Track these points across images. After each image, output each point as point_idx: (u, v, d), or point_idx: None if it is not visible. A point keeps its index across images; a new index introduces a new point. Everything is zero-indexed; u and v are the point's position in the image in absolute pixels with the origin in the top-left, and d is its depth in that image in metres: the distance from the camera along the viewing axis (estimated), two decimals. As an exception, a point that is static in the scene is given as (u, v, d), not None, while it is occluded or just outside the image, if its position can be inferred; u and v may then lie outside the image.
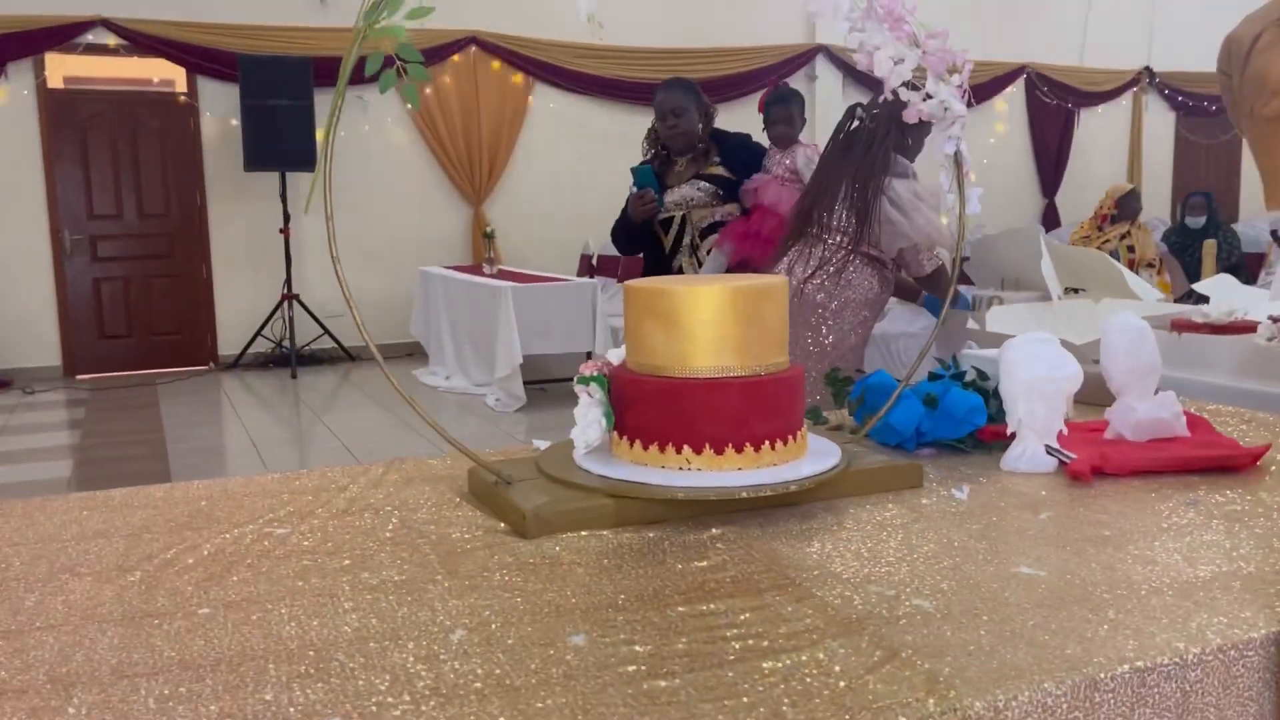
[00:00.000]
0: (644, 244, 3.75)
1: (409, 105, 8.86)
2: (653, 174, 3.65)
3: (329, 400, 7.48)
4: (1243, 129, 0.82)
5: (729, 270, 3.53)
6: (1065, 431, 1.60)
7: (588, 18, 1.46)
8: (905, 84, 1.59)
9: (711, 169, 3.70)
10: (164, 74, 8.77)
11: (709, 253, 3.63)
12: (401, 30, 1.30)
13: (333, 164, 1.35)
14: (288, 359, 8.29)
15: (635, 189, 3.62)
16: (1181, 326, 2.52)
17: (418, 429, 6.00)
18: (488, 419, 6.43)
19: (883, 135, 2.91)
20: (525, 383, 6.57)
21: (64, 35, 8.06)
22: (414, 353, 8.68)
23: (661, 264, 3.71)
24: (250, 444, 6.03)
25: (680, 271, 3.64)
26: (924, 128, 2.58)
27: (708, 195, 3.63)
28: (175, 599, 1.10)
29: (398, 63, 1.34)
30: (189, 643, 0.99)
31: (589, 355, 6.74)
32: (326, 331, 8.55)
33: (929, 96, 1.58)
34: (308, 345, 8.58)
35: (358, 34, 1.30)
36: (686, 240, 3.63)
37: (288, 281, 8.37)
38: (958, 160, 1.62)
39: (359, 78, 1.34)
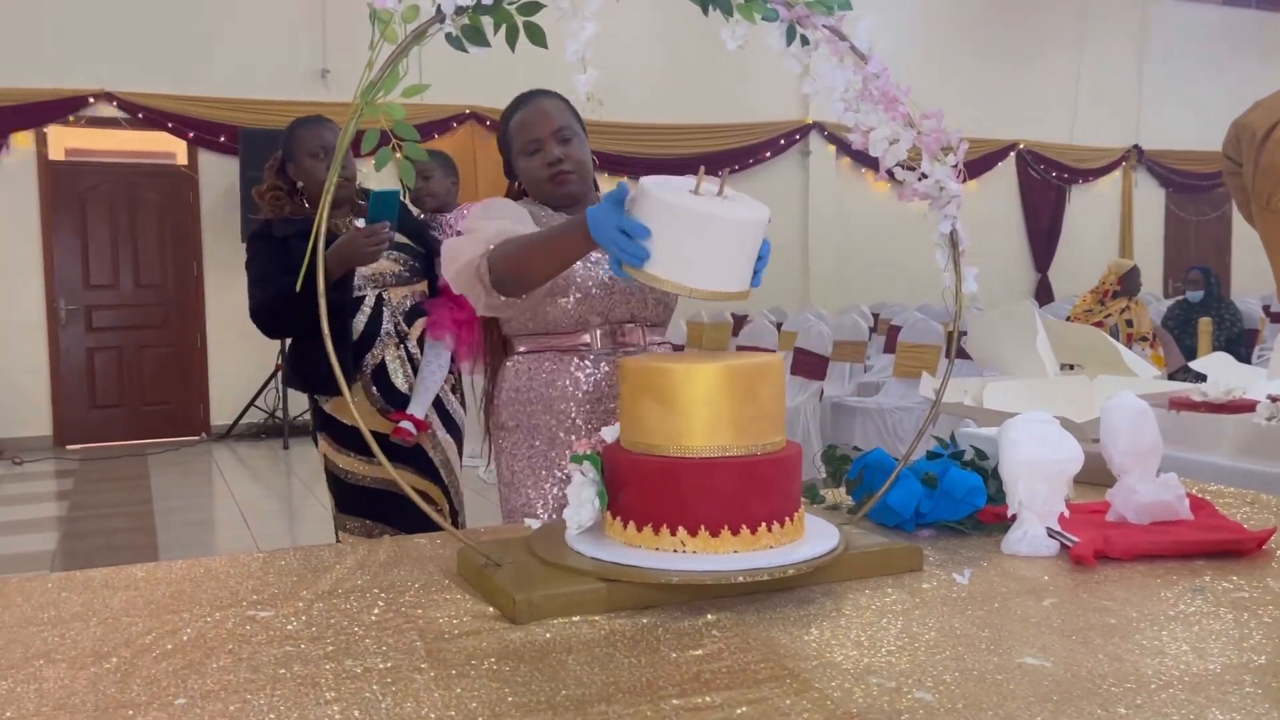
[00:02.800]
0: (307, 324, 2.48)
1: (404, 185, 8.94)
2: (398, 204, 2.76)
3: (320, 472, 7.42)
4: (1254, 220, 0.82)
5: (452, 364, 2.84)
6: (1066, 514, 1.57)
7: (587, 96, 1.47)
8: (900, 164, 1.59)
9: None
10: (164, 146, 8.86)
11: (417, 342, 2.78)
12: (399, 109, 1.30)
13: (324, 240, 1.35)
14: (280, 429, 8.24)
15: (364, 222, 2.66)
16: (1180, 405, 2.50)
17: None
18: (480, 491, 6.35)
19: None
20: (519, 455, 6.53)
21: (67, 108, 8.16)
22: (408, 424, 8.65)
23: (342, 354, 2.51)
24: (240, 516, 5.96)
25: (382, 369, 2.71)
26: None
27: (406, 269, 2.77)
28: (151, 688, 1.06)
29: (393, 140, 1.34)
30: (162, 736, 0.95)
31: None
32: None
33: (924, 176, 1.58)
34: (300, 415, 8.54)
35: (354, 110, 1.30)
36: (387, 326, 2.71)
37: (282, 352, 8.35)
38: (953, 239, 1.62)
39: (356, 153, 1.34)
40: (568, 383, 1.99)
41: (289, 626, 1.25)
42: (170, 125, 8.42)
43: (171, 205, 8.77)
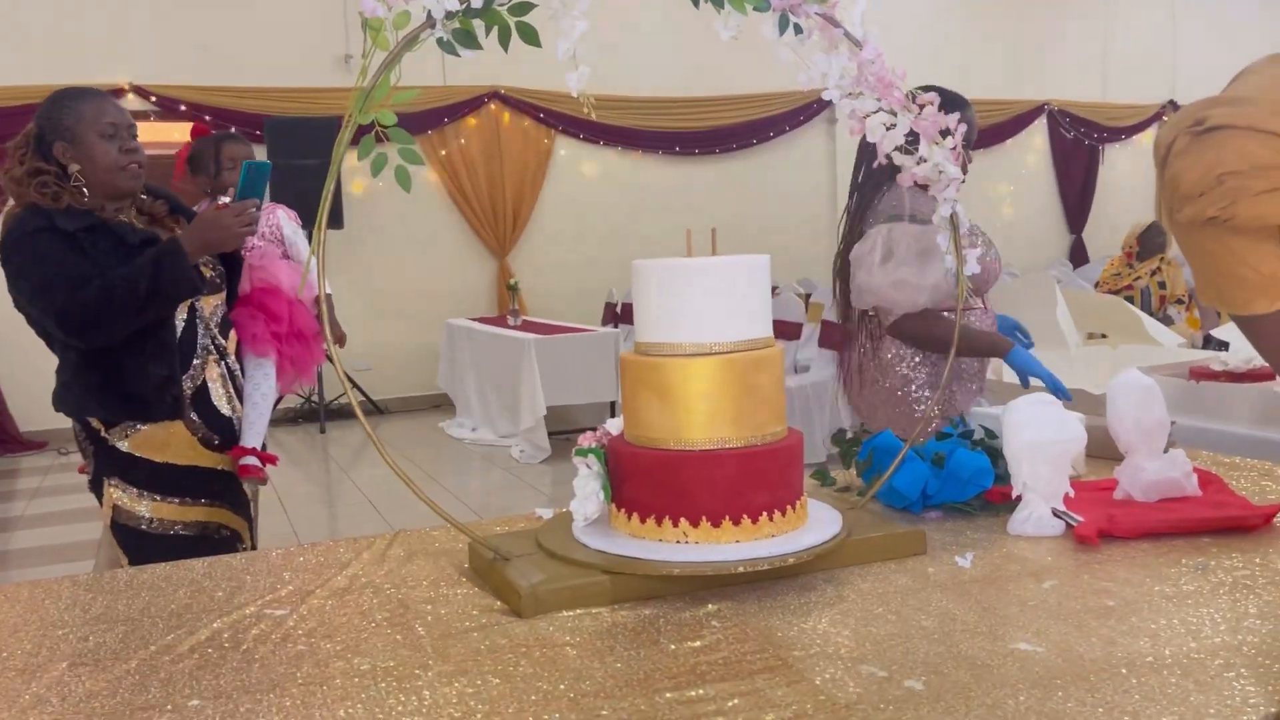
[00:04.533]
0: (136, 331, 2.11)
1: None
2: (267, 181, 2.36)
3: (357, 455, 7.52)
4: (1166, 227, 0.82)
5: (280, 386, 2.47)
6: (1072, 493, 1.58)
7: (579, 95, 1.48)
8: (899, 148, 1.59)
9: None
10: (186, 138, 8.94)
11: (236, 358, 2.35)
12: (390, 116, 1.32)
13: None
14: (316, 414, 8.36)
15: (232, 197, 2.26)
16: (1200, 375, 2.48)
17: (443, 484, 6.01)
18: (513, 470, 6.43)
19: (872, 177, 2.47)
20: (550, 433, 6.57)
21: (98, 102, 8.25)
22: (441, 404, 8.71)
23: (174, 370, 2.16)
24: (277, 501, 6.06)
25: (204, 390, 2.22)
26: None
27: (215, 274, 2.30)
28: (167, 689, 1.11)
29: (387, 142, 1.36)
30: (175, 738, 0.99)
31: (613, 406, 6.74)
32: (355, 385, 8.62)
33: (923, 160, 1.58)
34: (336, 399, 8.66)
35: (348, 119, 1.33)
36: (204, 342, 2.24)
37: (326, 342, 8.44)
38: (954, 222, 1.62)
39: (380, 142, 1.36)
40: None
41: (303, 626, 1.29)
42: (197, 116, 8.50)
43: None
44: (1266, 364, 1.09)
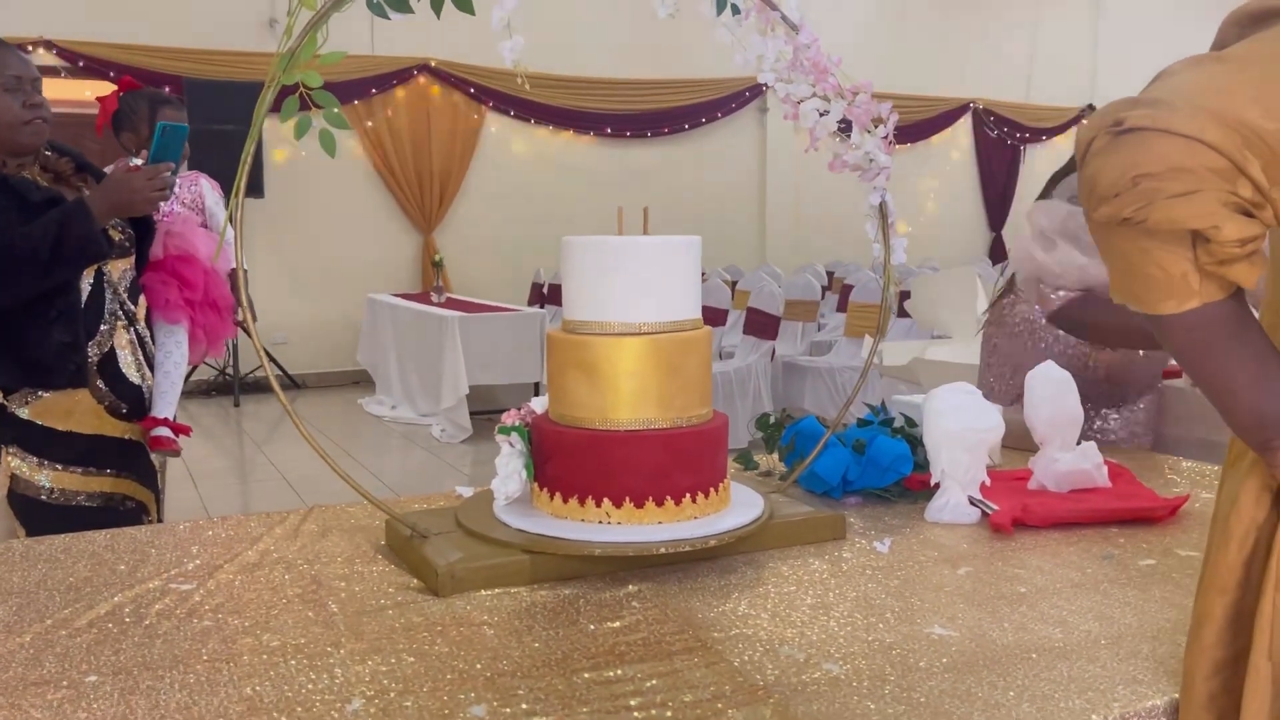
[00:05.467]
0: (38, 293, 2.01)
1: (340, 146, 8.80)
2: (184, 144, 2.24)
3: (272, 430, 7.36)
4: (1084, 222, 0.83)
5: (190, 357, 2.40)
6: (988, 482, 1.60)
7: (514, 64, 1.45)
8: (831, 134, 1.59)
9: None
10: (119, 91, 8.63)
11: (146, 324, 2.29)
12: (316, 77, 1.28)
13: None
14: (230, 387, 8.16)
15: (143, 160, 2.16)
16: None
17: (361, 461, 5.92)
18: (433, 450, 6.36)
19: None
20: (472, 413, 6.50)
21: (5, 56, 7.91)
22: (361, 381, 8.57)
23: (78, 335, 2.06)
24: (188, 475, 5.91)
25: (111, 357, 2.14)
26: None
27: (125, 237, 2.20)
28: (63, 664, 1.06)
29: (313, 108, 1.32)
30: (69, 715, 0.95)
31: (537, 386, 6.71)
32: (271, 358, 8.43)
33: (855, 147, 1.59)
34: (252, 373, 8.46)
35: (271, 78, 1.28)
36: (112, 307, 2.15)
37: (240, 311, 8.24)
38: (883, 211, 1.63)
39: (305, 106, 1.31)
40: None
41: (210, 601, 1.25)
42: (113, 75, 8.19)
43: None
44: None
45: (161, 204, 2.17)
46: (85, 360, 2.08)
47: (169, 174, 2.11)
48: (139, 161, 2.19)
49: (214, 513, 4.85)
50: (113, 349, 2.15)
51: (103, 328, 2.13)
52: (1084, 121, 1.62)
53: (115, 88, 2.91)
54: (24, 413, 2.04)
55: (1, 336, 2.02)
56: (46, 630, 1.15)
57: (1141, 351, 2.14)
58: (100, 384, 2.11)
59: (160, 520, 2.30)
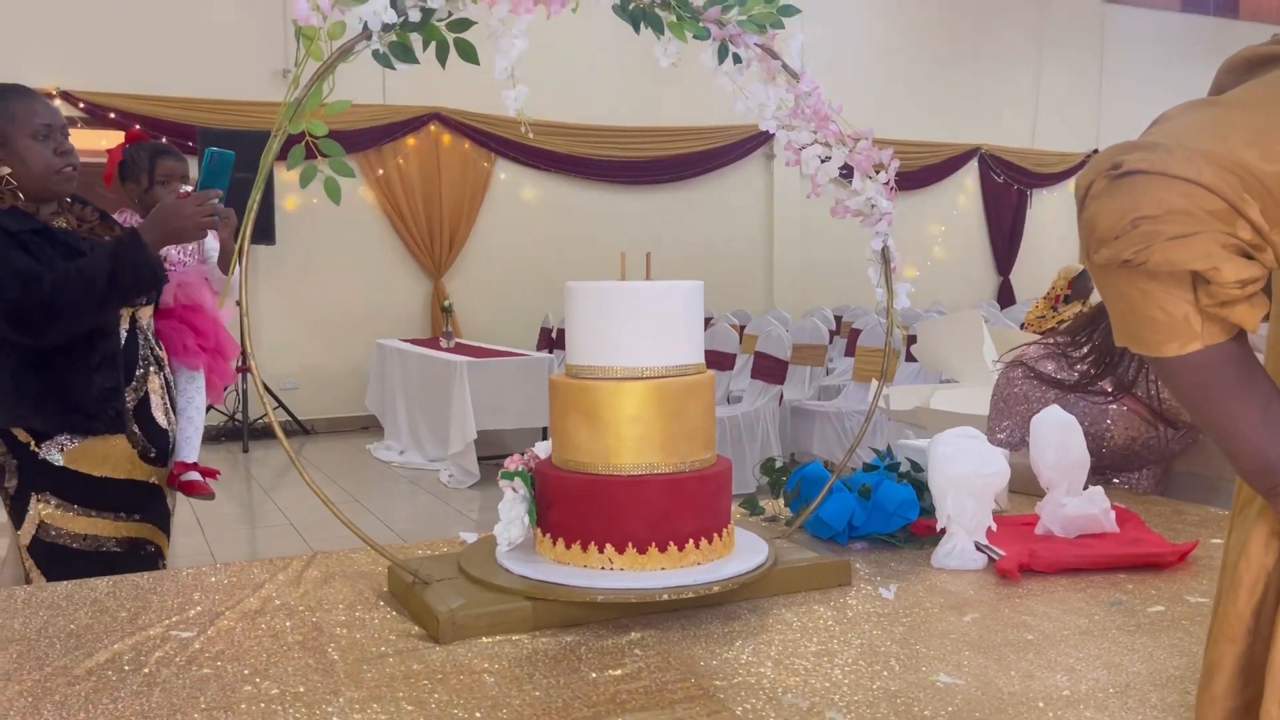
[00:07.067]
0: (87, 329, 2.03)
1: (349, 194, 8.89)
2: (231, 171, 2.16)
3: (279, 476, 7.35)
4: (1085, 267, 0.84)
5: (209, 397, 2.46)
6: (995, 527, 1.59)
7: (517, 113, 1.47)
8: (833, 180, 1.61)
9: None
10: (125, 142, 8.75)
11: (171, 370, 2.31)
12: (321, 126, 1.29)
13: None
14: (240, 432, 8.16)
15: (195, 186, 2.12)
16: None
17: (369, 507, 5.90)
18: (440, 495, 6.34)
19: None
20: (480, 458, 6.50)
21: (22, 106, 8.02)
22: (369, 426, 8.57)
23: (117, 380, 2.07)
24: (195, 521, 5.90)
25: (145, 402, 2.15)
26: None
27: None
28: (61, 713, 1.05)
29: (319, 157, 1.33)
30: (66, 765, 0.94)
31: (545, 431, 6.70)
32: (280, 404, 8.44)
33: (857, 193, 1.60)
34: (261, 418, 8.47)
35: (277, 127, 1.30)
36: (144, 352, 2.16)
37: (242, 354, 8.28)
38: (885, 256, 1.63)
39: (310, 154, 1.33)
40: None
41: (210, 649, 1.24)
42: (128, 125, 8.31)
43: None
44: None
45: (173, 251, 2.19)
46: (124, 405, 2.09)
47: (217, 200, 2.08)
48: (189, 189, 2.16)
49: (220, 559, 4.84)
50: (146, 394, 2.16)
51: (138, 372, 2.14)
52: (1089, 165, 1.62)
53: (123, 139, 2.95)
54: (58, 459, 2.02)
55: (43, 382, 2.01)
56: (45, 678, 1.14)
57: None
58: (135, 429, 2.11)
59: (164, 566, 2.29)
